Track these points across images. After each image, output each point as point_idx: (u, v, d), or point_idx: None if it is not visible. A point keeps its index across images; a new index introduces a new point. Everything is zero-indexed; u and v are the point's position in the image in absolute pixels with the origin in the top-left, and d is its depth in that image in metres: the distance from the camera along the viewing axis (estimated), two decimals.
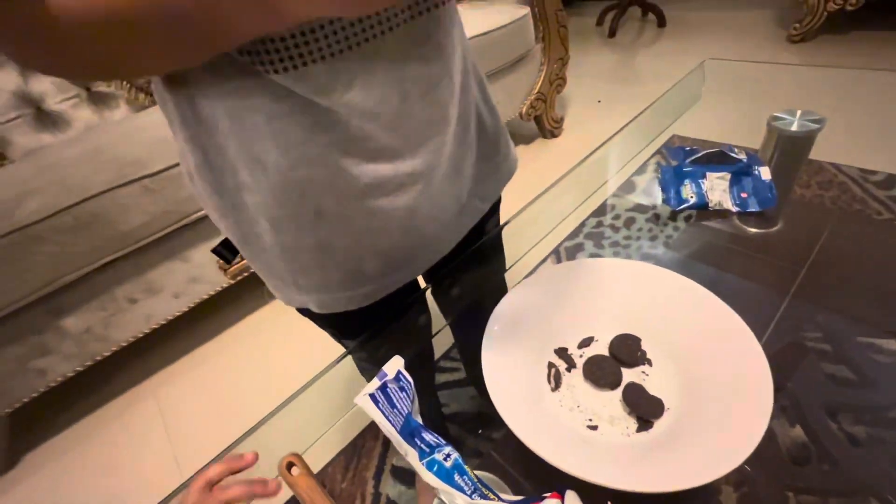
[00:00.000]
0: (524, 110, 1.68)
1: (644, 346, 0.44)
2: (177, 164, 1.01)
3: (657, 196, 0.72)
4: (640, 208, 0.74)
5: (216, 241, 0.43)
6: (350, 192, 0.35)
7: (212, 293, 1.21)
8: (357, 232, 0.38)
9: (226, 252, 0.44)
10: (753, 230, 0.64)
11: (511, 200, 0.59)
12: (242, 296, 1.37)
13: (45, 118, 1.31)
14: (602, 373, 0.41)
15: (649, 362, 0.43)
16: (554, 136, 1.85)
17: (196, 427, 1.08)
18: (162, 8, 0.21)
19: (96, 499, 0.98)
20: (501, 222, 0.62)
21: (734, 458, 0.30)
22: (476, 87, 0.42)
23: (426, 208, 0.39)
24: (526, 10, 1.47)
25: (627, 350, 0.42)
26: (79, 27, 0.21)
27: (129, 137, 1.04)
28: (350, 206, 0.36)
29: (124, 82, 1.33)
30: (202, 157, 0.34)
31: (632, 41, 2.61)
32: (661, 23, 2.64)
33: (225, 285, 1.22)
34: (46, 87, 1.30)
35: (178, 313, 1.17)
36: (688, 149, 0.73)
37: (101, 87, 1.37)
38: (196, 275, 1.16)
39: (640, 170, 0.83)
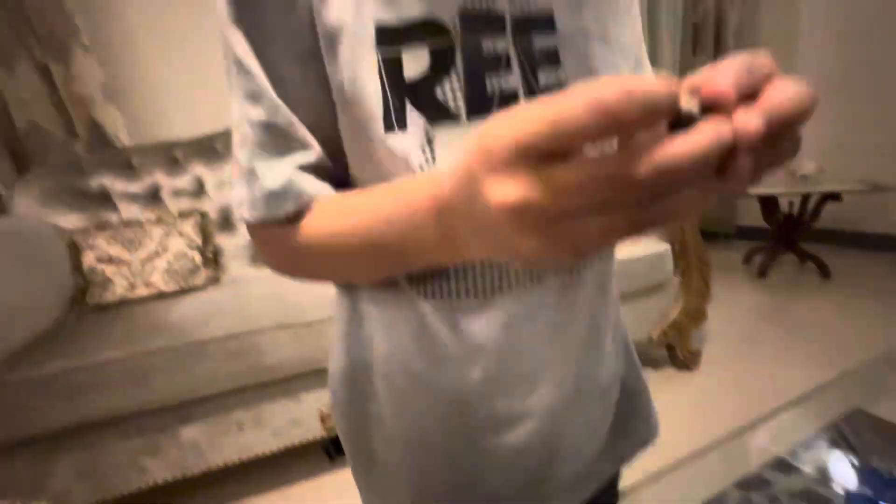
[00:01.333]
0: (655, 335, 1.60)
1: None
2: (324, 318, 1.17)
3: (832, 483, 0.55)
4: (809, 495, 0.56)
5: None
6: (460, 429, 0.36)
7: (304, 440, 1.23)
8: (460, 470, 0.37)
9: (332, 450, 0.46)
10: None
11: None
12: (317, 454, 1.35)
13: (258, 259, 1.72)
14: None
15: None
16: (688, 369, 1.67)
17: None
18: (370, 243, 0.30)
19: None
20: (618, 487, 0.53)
21: None
22: (615, 343, 0.42)
23: (538, 452, 0.37)
24: (666, 246, 1.54)
25: None
26: (308, 251, 0.32)
27: (304, 288, 1.28)
28: (457, 442, 0.36)
29: None
30: (350, 367, 0.39)
31: (787, 286, 2.42)
32: (825, 274, 2.44)
33: (320, 435, 1.24)
34: None
35: (268, 452, 1.20)
36: (888, 477, 0.55)
37: None
38: (299, 417, 1.21)
39: (810, 444, 0.66)
